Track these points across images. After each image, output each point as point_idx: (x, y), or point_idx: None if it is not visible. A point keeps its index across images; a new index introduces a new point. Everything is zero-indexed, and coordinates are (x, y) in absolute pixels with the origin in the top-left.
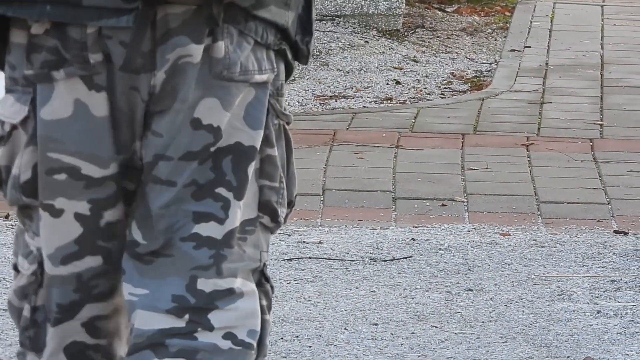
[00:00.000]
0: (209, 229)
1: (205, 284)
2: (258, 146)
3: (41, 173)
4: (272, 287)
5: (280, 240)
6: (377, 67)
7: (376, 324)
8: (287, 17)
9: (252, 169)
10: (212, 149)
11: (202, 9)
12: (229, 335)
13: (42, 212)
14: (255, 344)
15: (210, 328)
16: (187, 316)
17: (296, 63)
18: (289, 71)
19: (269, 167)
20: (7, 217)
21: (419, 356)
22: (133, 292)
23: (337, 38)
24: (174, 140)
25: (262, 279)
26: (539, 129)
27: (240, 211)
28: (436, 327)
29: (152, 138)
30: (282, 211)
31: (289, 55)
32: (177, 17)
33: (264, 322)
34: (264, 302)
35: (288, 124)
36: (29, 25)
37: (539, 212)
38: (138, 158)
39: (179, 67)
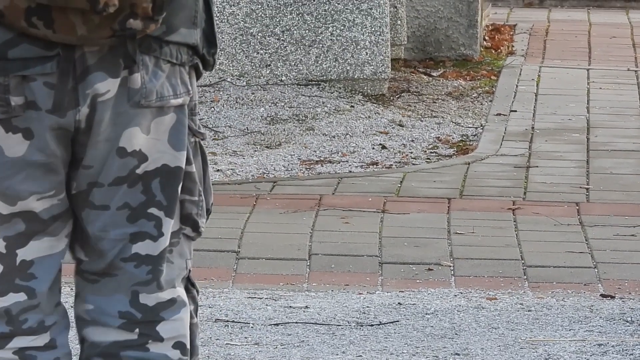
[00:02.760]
0: (145, 248)
1: (148, 298)
2: (183, 165)
3: None
4: (197, 291)
5: (266, 305)
6: (362, 132)
7: None
8: (195, 35)
9: (179, 188)
10: (139, 172)
11: (120, 44)
12: (178, 345)
13: None
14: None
15: (160, 339)
16: (137, 330)
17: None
18: (197, 76)
19: (189, 183)
20: None
21: None
22: (83, 308)
23: (323, 103)
24: (103, 169)
25: (189, 285)
26: (525, 193)
27: (170, 228)
28: None
29: (83, 171)
30: (202, 221)
31: (200, 67)
32: (94, 55)
33: (192, 326)
34: (192, 307)
35: (203, 140)
36: None
37: (525, 276)
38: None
39: (99, 101)
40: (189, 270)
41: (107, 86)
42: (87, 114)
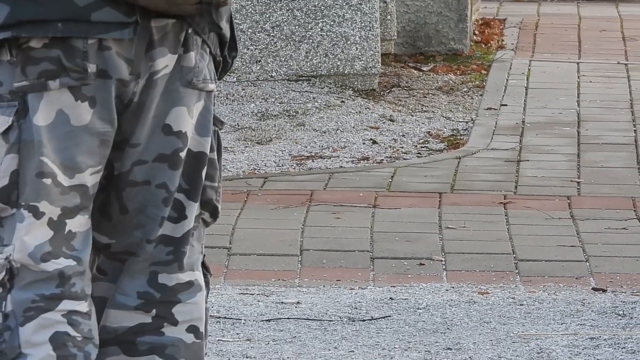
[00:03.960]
0: (163, 228)
1: (168, 279)
2: (207, 151)
3: (30, 176)
4: (210, 274)
5: (258, 301)
6: (353, 127)
7: None
8: (229, 31)
9: (204, 172)
10: (182, 155)
11: (182, 21)
12: (191, 329)
13: (25, 213)
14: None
15: (175, 322)
16: (154, 311)
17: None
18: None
19: (210, 169)
20: None
21: None
22: (115, 290)
23: (314, 98)
24: (148, 145)
25: (203, 269)
26: (516, 187)
27: (195, 212)
28: None
29: (130, 150)
30: (220, 207)
31: (220, 67)
32: (159, 29)
33: (205, 311)
34: (205, 292)
35: (220, 128)
36: (21, 42)
37: (517, 270)
38: (107, 173)
39: (157, 76)
40: (204, 255)
41: (166, 61)
42: (142, 86)
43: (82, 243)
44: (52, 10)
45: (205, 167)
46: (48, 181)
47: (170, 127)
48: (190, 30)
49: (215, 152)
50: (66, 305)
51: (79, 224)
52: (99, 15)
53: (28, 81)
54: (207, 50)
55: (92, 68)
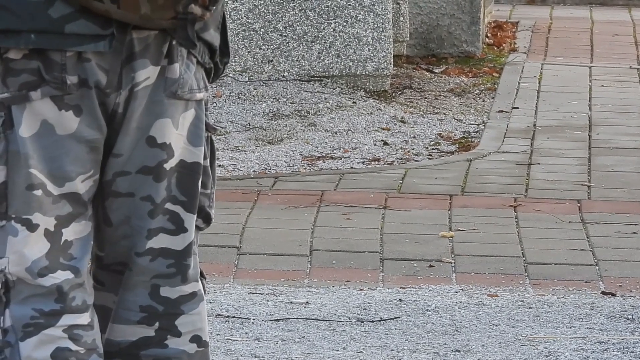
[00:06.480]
0: (160, 242)
1: (170, 292)
2: (201, 161)
3: (20, 189)
4: (205, 278)
5: (267, 300)
6: (364, 128)
7: None
8: (218, 39)
9: (200, 183)
10: (167, 167)
11: (164, 33)
12: (194, 339)
13: (19, 227)
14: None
15: (178, 334)
16: (157, 324)
17: None
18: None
19: (203, 177)
20: None
21: None
22: (111, 299)
23: (325, 99)
24: (131, 156)
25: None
26: (526, 190)
27: (194, 223)
28: None
29: (112, 159)
30: (213, 213)
31: (212, 74)
32: (141, 41)
33: None
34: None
35: (213, 134)
36: (1, 52)
37: (526, 273)
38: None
39: (139, 87)
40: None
41: (148, 73)
42: (125, 98)
43: (80, 250)
44: (25, 21)
45: (200, 178)
46: (39, 192)
47: (154, 139)
48: (174, 42)
49: (208, 160)
50: (67, 320)
51: (74, 231)
52: (73, 27)
53: (9, 93)
54: (194, 60)
55: (72, 80)
